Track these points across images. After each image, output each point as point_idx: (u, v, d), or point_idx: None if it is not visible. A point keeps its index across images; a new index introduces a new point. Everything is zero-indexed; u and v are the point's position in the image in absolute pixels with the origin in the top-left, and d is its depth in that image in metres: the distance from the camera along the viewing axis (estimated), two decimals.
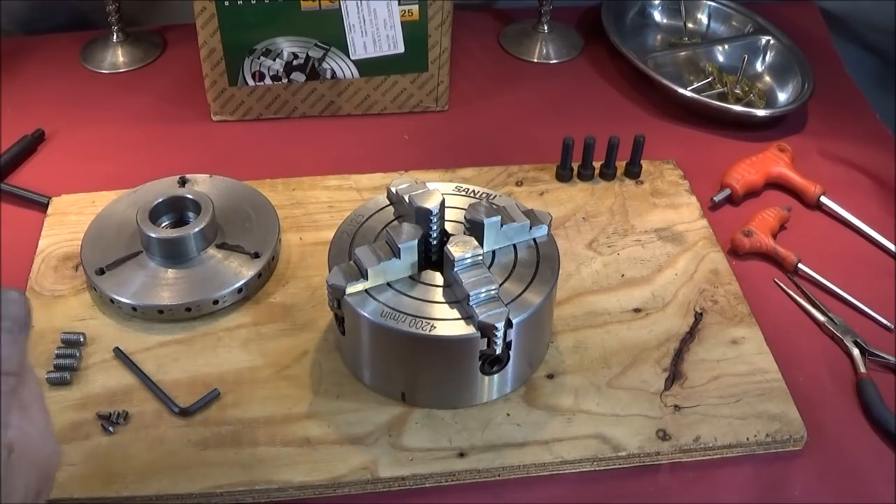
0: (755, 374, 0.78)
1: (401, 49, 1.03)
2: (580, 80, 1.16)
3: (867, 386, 0.78)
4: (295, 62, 1.02)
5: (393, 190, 0.77)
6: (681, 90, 1.06)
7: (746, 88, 1.11)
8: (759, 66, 1.16)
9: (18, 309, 0.50)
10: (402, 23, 1.01)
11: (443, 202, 0.73)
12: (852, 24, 1.28)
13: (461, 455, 0.71)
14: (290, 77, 1.03)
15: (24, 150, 1.00)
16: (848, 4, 1.26)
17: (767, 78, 1.15)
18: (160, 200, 0.85)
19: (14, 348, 0.49)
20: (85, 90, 1.11)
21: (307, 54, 1.02)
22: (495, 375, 0.73)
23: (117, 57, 1.15)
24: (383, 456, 0.71)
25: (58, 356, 0.77)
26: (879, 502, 0.72)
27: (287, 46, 1.01)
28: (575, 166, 0.96)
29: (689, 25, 1.23)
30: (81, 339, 0.79)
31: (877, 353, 0.81)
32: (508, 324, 0.68)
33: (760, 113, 1.06)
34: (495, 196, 0.80)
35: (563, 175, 0.96)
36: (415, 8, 1.00)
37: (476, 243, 0.70)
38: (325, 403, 0.75)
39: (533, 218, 0.75)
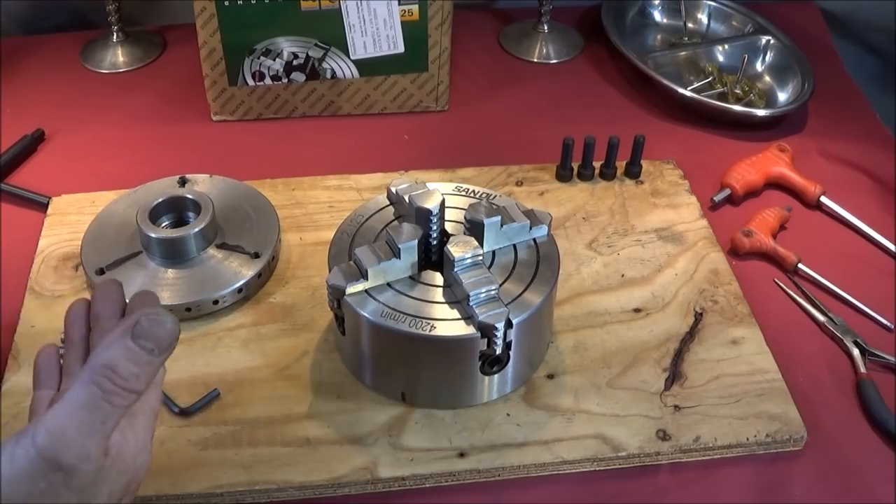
0: (755, 374, 0.78)
1: (401, 49, 1.03)
2: (580, 80, 1.16)
3: (867, 386, 0.78)
4: (295, 62, 1.02)
5: (393, 190, 0.77)
6: (681, 90, 1.06)
7: (746, 88, 1.11)
8: (759, 66, 1.16)
9: (165, 334, 0.50)
10: (402, 23, 1.01)
11: (443, 202, 0.73)
12: (852, 24, 1.28)
13: (461, 455, 0.71)
14: (290, 77, 1.03)
15: (24, 150, 1.00)
16: (848, 4, 1.27)
17: (767, 78, 1.15)
18: (160, 200, 0.85)
19: (146, 369, 0.50)
20: (85, 90, 1.11)
21: (307, 54, 1.02)
22: (495, 375, 0.73)
23: (117, 57, 1.16)
24: (383, 456, 0.71)
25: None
26: (879, 502, 0.72)
27: (287, 46, 1.01)
28: (575, 166, 0.96)
29: (689, 25, 1.23)
30: None
31: (877, 353, 0.81)
32: (508, 324, 0.68)
33: (760, 113, 1.06)
34: (495, 196, 0.80)
35: (563, 175, 0.96)
36: (415, 8, 1.00)
37: (476, 243, 0.70)
38: (325, 403, 0.75)
39: (533, 218, 0.75)
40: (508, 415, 0.74)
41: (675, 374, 0.77)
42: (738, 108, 1.06)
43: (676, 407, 0.75)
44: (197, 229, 0.83)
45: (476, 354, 0.70)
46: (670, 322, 0.82)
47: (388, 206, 0.79)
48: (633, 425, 0.73)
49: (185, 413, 0.74)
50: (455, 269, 0.69)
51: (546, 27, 1.20)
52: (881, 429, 0.76)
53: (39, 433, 0.48)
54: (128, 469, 0.53)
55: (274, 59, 1.02)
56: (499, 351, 0.70)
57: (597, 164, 0.96)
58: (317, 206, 0.93)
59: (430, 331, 0.68)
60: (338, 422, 0.73)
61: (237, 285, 0.81)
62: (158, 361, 0.51)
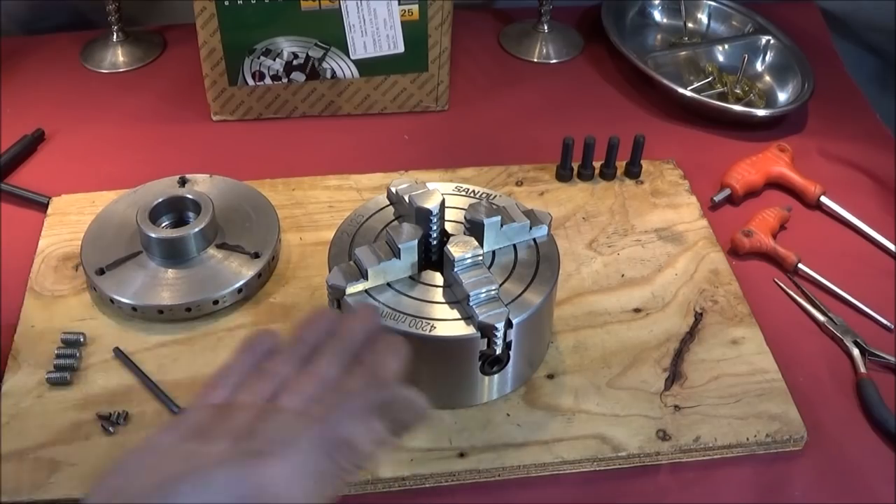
0: (755, 374, 0.78)
1: (401, 49, 1.03)
2: (580, 80, 1.16)
3: (867, 386, 0.78)
4: (295, 62, 1.02)
5: (393, 190, 0.77)
6: (681, 90, 1.06)
7: (746, 88, 1.11)
8: (759, 66, 1.16)
9: (415, 420, 0.49)
10: (402, 23, 1.01)
11: (443, 202, 0.73)
12: (852, 24, 1.28)
13: (461, 455, 0.71)
14: (290, 77, 1.03)
15: (24, 150, 1.00)
16: (848, 4, 1.27)
17: (767, 78, 1.15)
18: (160, 200, 0.85)
19: (383, 449, 0.48)
20: (85, 90, 1.11)
21: (307, 54, 1.02)
22: (495, 375, 0.73)
23: (117, 57, 1.16)
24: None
25: (58, 356, 0.77)
26: (879, 502, 0.72)
27: (287, 46, 1.01)
28: (575, 166, 0.96)
29: (689, 25, 1.23)
30: (81, 339, 0.79)
31: (877, 353, 0.81)
32: (508, 324, 0.68)
33: (760, 113, 1.06)
34: (495, 196, 0.80)
35: (563, 175, 0.96)
36: (415, 8, 1.00)
37: (476, 243, 0.70)
38: None
39: (533, 218, 0.75)
40: (508, 415, 0.74)
41: (675, 374, 0.77)
42: (738, 108, 1.06)
43: (676, 407, 0.75)
44: (197, 229, 0.83)
45: (476, 354, 0.70)
46: (670, 322, 0.82)
47: (388, 206, 0.79)
48: (633, 425, 0.73)
49: None
50: (455, 269, 0.69)
51: (546, 27, 1.20)
52: (881, 429, 0.76)
53: (260, 491, 0.45)
54: None
55: (274, 59, 1.02)
56: (499, 351, 0.70)
57: (597, 164, 0.96)
58: (317, 206, 0.93)
59: (430, 331, 0.68)
60: None
61: (237, 285, 0.81)
62: (395, 444, 0.49)
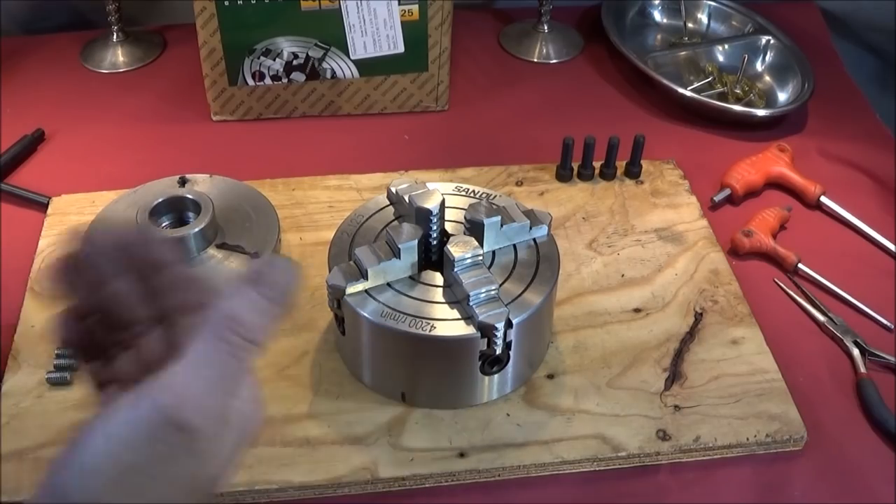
0: (755, 374, 0.78)
1: (401, 49, 1.03)
2: (580, 80, 1.16)
3: (867, 386, 0.78)
4: (295, 62, 1.02)
5: (393, 190, 0.77)
6: (681, 90, 1.06)
7: (746, 88, 1.11)
8: (759, 66, 1.16)
9: (286, 280, 0.47)
10: (402, 23, 1.01)
11: (443, 202, 0.73)
12: (852, 24, 1.28)
13: (461, 455, 0.71)
14: (290, 77, 1.03)
15: (24, 150, 1.00)
16: (848, 4, 1.27)
17: (767, 78, 1.15)
18: (160, 200, 0.85)
19: (269, 319, 0.47)
20: (85, 90, 1.11)
21: (307, 54, 1.02)
22: (495, 375, 0.73)
23: (117, 57, 1.16)
24: (383, 456, 0.71)
25: (58, 356, 0.77)
26: (879, 502, 0.72)
27: (287, 46, 1.01)
28: (575, 166, 0.96)
29: (689, 25, 1.23)
30: None
31: (877, 353, 0.81)
32: (508, 324, 0.68)
33: (760, 113, 1.06)
34: (495, 196, 0.80)
35: (563, 175, 0.96)
36: (415, 8, 1.00)
37: (476, 243, 0.70)
38: (325, 403, 0.75)
39: (533, 218, 0.75)
40: (508, 415, 0.74)
41: (675, 374, 0.77)
42: (738, 108, 1.06)
43: (676, 407, 0.75)
44: (197, 229, 0.82)
45: (476, 354, 0.70)
46: (670, 322, 0.82)
47: (388, 206, 0.79)
48: (633, 425, 0.73)
49: None
50: (455, 269, 0.69)
51: (546, 27, 1.20)
52: (881, 429, 0.76)
53: (162, 394, 0.44)
54: (244, 428, 0.49)
55: (274, 59, 1.02)
56: (499, 351, 0.70)
57: (597, 164, 0.96)
58: (317, 206, 0.93)
59: (430, 331, 0.68)
60: (338, 422, 0.73)
61: None
62: (280, 311, 0.47)
